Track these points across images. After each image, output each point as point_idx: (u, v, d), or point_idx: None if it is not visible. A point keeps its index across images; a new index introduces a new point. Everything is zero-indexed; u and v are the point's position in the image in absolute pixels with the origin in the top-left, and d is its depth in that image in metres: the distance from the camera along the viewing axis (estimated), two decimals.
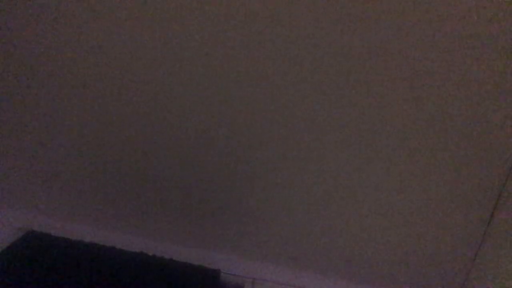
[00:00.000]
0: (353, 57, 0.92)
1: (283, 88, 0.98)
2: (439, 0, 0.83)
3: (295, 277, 1.19)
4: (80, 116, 1.10)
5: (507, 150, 0.95)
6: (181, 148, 1.09)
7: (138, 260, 1.12)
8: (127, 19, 0.97)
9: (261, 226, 1.15)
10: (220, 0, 0.91)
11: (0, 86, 1.11)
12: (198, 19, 0.94)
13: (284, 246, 1.17)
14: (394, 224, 1.08)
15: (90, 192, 1.19)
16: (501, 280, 0.96)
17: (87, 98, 1.08)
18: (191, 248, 1.22)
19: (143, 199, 1.18)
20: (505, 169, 0.97)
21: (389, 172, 1.03)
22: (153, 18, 0.96)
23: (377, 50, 0.90)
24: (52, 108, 1.10)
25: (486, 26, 0.84)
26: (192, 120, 1.06)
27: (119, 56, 1.01)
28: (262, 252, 1.19)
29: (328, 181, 1.06)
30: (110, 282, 1.03)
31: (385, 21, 0.87)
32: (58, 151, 1.16)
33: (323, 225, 1.12)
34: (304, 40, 0.92)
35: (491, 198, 1.01)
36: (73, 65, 1.04)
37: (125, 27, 0.98)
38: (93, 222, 1.23)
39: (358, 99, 0.96)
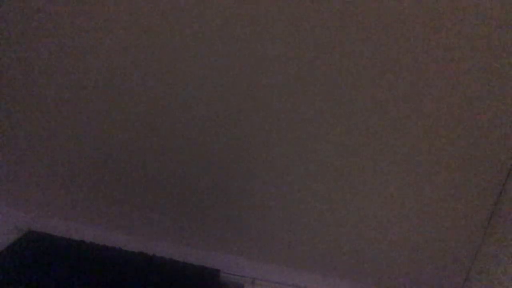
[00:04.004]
0: (354, 58, 0.92)
1: (284, 89, 0.98)
2: (439, 2, 0.84)
3: (295, 277, 1.19)
4: (81, 117, 1.10)
5: (507, 150, 0.95)
6: (182, 149, 1.09)
7: (138, 260, 1.12)
8: (129, 19, 0.97)
9: (261, 226, 1.15)
10: (221, 2, 0.91)
11: (1, 86, 1.11)
12: (199, 20, 0.94)
13: (284, 246, 1.17)
14: (394, 224, 1.08)
15: (90, 192, 1.19)
16: (501, 280, 0.96)
17: (87, 99, 1.08)
18: (191, 248, 1.22)
19: (143, 199, 1.18)
20: (505, 169, 0.97)
21: (389, 173, 1.03)
22: (154, 19, 0.96)
23: (377, 51, 0.90)
24: (52, 109, 1.10)
25: (486, 27, 0.84)
26: (193, 121, 1.06)
27: (120, 57, 1.01)
28: (262, 252, 1.19)
29: (328, 182, 1.06)
30: (110, 282, 1.03)
31: (386, 23, 0.87)
32: (58, 151, 1.16)
33: (323, 225, 1.12)
34: (306, 41, 0.92)
35: (491, 198, 1.01)
36: (74, 65, 1.04)
37: (126, 27, 0.98)
38: (93, 222, 1.23)
39: (360, 100, 0.96)
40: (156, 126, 1.08)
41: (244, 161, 1.08)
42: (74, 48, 1.02)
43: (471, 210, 1.03)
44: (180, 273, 1.09)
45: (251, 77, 0.98)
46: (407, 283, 1.16)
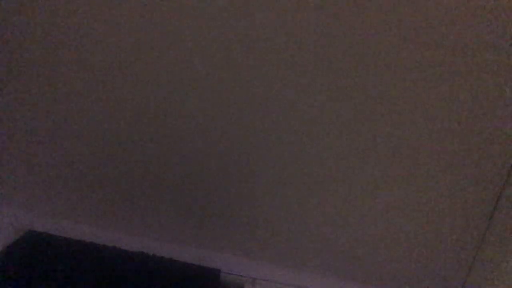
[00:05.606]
0: (353, 57, 0.92)
1: (284, 89, 0.98)
2: (439, 2, 0.84)
3: (295, 277, 1.19)
4: (80, 117, 1.10)
5: (507, 150, 0.95)
6: (181, 149, 1.09)
7: (138, 260, 1.12)
8: (129, 19, 0.97)
9: (261, 226, 1.15)
10: (221, 2, 0.91)
11: (0, 86, 1.11)
12: (198, 19, 0.94)
13: (284, 246, 1.17)
14: (394, 224, 1.08)
15: (90, 192, 1.19)
16: (501, 280, 0.96)
17: (87, 99, 1.08)
18: (191, 248, 1.22)
19: (143, 199, 1.18)
20: (505, 169, 0.97)
21: (389, 173, 1.03)
22: (154, 18, 0.96)
23: (376, 50, 0.90)
24: (52, 108, 1.10)
25: (486, 26, 0.84)
26: (193, 121, 1.06)
27: (120, 57, 1.01)
28: (262, 252, 1.19)
29: (328, 182, 1.06)
30: (110, 282, 1.03)
31: (385, 22, 0.87)
32: (58, 152, 1.16)
33: (323, 225, 1.12)
34: (305, 41, 0.92)
35: (491, 198, 1.01)
36: (74, 65, 1.04)
37: (126, 27, 0.98)
38: (93, 222, 1.23)
39: (358, 99, 0.96)
40: (156, 126, 1.08)
41: (244, 160, 1.08)
42: (74, 46, 1.02)
43: (471, 210, 1.03)
44: (180, 273, 1.09)
45: (253, 75, 0.98)
46: (407, 283, 1.15)
